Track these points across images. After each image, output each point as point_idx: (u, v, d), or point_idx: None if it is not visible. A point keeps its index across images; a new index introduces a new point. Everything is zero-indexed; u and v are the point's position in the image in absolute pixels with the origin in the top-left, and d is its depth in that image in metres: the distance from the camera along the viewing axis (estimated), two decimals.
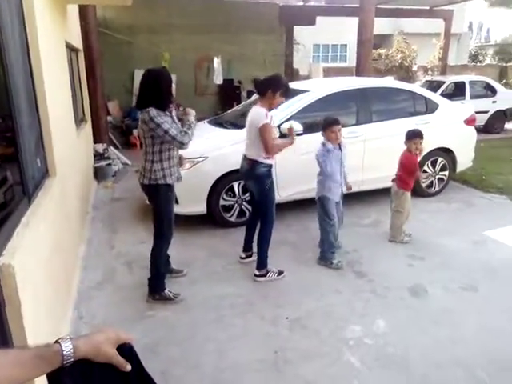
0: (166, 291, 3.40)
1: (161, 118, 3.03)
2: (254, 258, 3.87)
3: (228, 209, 4.81)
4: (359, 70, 8.36)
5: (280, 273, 3.77)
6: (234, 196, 4.79)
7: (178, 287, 3.54)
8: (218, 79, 12.15)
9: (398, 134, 4.60)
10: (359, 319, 3.14)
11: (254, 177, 3.62)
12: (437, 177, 5.87)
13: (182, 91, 8.40)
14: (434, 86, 10.87)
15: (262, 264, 3.72)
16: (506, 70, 17.74)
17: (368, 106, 5.39)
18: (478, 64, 21.01)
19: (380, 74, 14.00)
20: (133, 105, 10.70)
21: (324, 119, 3.99)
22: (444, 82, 11.04)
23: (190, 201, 4.62)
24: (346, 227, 4.31)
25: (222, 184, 4.67)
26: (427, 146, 4.94)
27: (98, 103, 7.92)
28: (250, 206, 4.67)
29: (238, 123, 5.09)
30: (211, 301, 3.39)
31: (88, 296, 3.50)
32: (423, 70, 16.35)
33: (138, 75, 10.64)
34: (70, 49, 5.43)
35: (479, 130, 7.71)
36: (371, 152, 5.23)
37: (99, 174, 6.87)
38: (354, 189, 4.22)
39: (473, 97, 10.74)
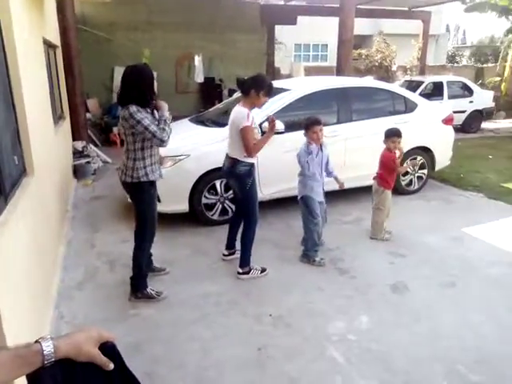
0: (149, 289, 3.36)
1: (141, 114, 3.00)
2: (237, 255, 3.87)
3: (210, 207, 4.79)
4: (340, 70, 8.42)
5: (263, 270, 3.77)
6: (217, 194, 4.78)
7: (161, 285, 3.51)
8: (199, 77, 12.09)
9: (378, 132, 4.65)
10: (342, 316, 3.17)
11: (235, 175, 3.61)
12: (416, 175, 5.97)
13: (162, 89, 8.32)
14: (413, 85, 11.03)
15: (245, 262, 3.72)
16: (481, 71, 18.15)
17: (348, 105, 5.44)
18: (456, 65, 21.44)
19: (360, 74, 14.17)
20: (113, 102, 10.57)
21: (306, 119, 3.98)
22: (423, 82, 11.22)
23: (173, 199, 4.58)
24: (328, 224, 4.35)
25: (204, 182, 4.65)
26: (406, 144, 5.02)
27: (77, 100, 7.78)
28: (232, 204, 4.66)
29: (219, 121, 5.08)
30: (194, 299, 3.38)
31: (69, 295, 3.44)
32: (402, 70, 16.63)
33: (118, 72, 10.57)
34: (48, 45, 5.31)
35: (457, 130, 7.90)
36: (352, 151, 5.28)
37: (79, 172, 6.75)
38: (335, 187, 4.26)
39: (450, 97, 10.94)
